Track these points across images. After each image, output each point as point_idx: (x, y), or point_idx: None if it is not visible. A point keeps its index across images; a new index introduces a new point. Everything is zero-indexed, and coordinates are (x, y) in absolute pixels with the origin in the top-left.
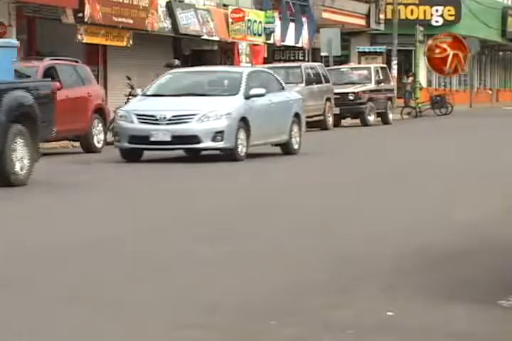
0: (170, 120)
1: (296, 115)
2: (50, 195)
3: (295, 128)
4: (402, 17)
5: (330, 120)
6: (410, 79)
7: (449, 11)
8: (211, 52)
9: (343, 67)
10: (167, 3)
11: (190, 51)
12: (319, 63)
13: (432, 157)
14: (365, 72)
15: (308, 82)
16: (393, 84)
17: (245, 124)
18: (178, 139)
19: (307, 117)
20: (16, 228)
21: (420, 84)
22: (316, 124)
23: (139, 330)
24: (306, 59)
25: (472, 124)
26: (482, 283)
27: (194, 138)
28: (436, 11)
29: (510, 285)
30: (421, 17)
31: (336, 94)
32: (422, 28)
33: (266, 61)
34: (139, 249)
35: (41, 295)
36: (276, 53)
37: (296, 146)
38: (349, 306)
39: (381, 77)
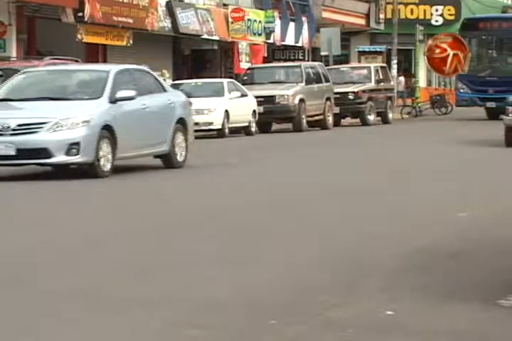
0: (15, 130)
1: (181, 121)
2: None
3: (179, 137)
4: (402, 16)
5: (330, 119)
6: (399, 78)
7: (448, 10)
8: (211, 52)
9: (343, 67)
10: (167, 2)
11: (190, 51)
12: (319, 63)
13: (426, 157)
14: (364, 71)
15: (308, 82)
16: (393, 83)
17: (110, 133)
18: (24, 153)
19: (308, 117)
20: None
21: (416, 82)
22: (316, 124)
23: (139, 328)
24: (306, 58)
25: (471, 123)
26: (482, 282)
27: (44, 152)
28: (436, 10)
29: (510, 284)
30: (421, 16)
31: (335, 93)
32: (421, 28)
33: (266, 60)
34: (138, 249)
35: (39, 294)
36: (276, 53)
37: (180, 158)
38: (349, 305)
39: (381, 77)
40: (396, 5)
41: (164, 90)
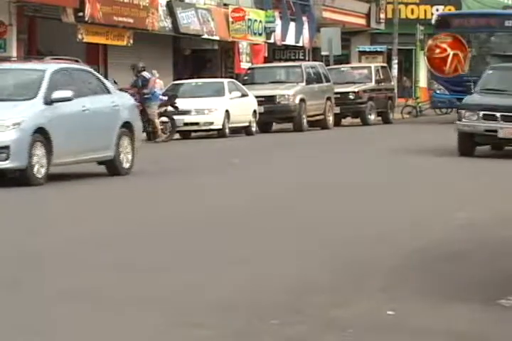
0: None
1: (127, 125)
2: None
3: (124, 142)
4: (403, 16)
5: (330, 119)
6: None
7: (449, 10)
8: (211, 52)
9: (344, 67)
10: (167, 2)
11: (190, 51)
12: (320, 62)
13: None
14: (365, 71)
15: (309, 82)
16: (393, 83)
17: (45, 137)
18: None
19: (308, 116)
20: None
21: (406, 81)
22: (317, 124)
23: (139, 328)
24: (307, 58)
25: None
26: (482, 282)
27: None
28: (437, 10)
29: (510, 284)
30: (421, 16)
31: (336, 93)
32: (422, 28)
33: (266, 60)
34: (136, 250)
35: (40, 293)
36: (276, 53)
37: (126, 165)
38: (350, 305)
39: (381, 77)
40: (396, 5)
41: (108, 92)
